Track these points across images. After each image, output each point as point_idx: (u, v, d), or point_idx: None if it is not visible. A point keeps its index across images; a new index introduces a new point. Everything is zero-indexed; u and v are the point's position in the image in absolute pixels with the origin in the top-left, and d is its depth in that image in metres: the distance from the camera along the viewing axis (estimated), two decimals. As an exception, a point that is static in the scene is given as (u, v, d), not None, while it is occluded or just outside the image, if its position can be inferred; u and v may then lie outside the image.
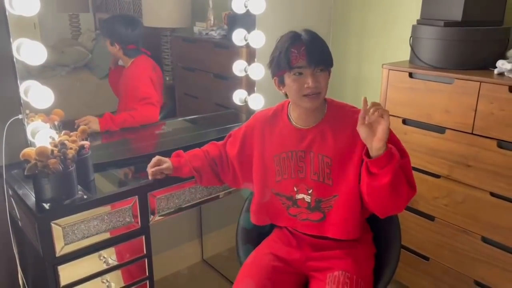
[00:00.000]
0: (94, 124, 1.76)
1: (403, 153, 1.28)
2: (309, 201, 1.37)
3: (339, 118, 1.35)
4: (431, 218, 1.90)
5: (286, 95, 1.38)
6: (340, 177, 1.33)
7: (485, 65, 1.75)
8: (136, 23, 1.90)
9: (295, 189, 1.38)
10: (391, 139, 1.24)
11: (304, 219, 1.40)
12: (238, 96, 2.04)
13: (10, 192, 1.47)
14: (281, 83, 1.34)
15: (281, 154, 1.38)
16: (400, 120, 1.91)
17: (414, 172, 1.87)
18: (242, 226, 1.59)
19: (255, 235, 1.56)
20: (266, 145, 1.42)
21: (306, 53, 1.26)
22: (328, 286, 1.29)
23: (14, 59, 1.35)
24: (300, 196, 1.38)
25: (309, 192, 1.36)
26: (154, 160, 1.50)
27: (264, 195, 1.44)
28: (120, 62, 1.91)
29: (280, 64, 1.29)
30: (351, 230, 1.36)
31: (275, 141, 1.41)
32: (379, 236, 1.49)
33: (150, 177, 1.48)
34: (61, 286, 1.36)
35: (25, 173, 1.31)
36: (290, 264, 1.40)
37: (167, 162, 1.49)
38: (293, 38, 1.28)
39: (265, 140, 1.43)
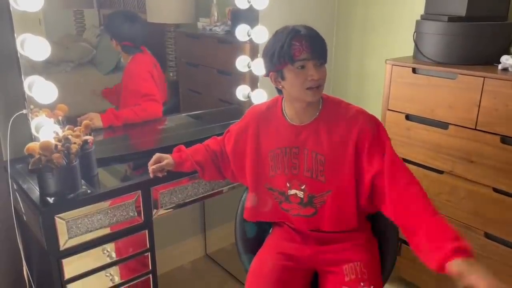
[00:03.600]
0: (97, 120, 1.76)
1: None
2: (302, 196, 1.37)
3: (333, 115, 1.34)
4: (434, 214, 1.90)
5: (279, 91, 1.37)
6: (334, 173, 1.33)
7: (489, 61, 1.74)
8: (135, 20, 1.90)
9: (288, 184, 1.38)
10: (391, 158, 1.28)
11: (295, 214, 1.40)
12: (241, 91, 2.05)
13: (15, 187, 1.48)
14: (279, 77, 1.31)
15: (275, 150, 1.38)
16: (403, 115, 1.91)
17: (417, 168, 1.90)
18: (241, 236, 1.57)
19: (257, 243, 1.54)
20: (261, 140, 1.42)
21: (309, 46, 1.25)
22: (347, 277, 1.31)
23: (18, 55, 1.36)
24: (292, 192, 1.38)
25: (302, 188, 1.36)
26: (154, 157, 1.49)
27: (257, 190, 1.44)
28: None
29: (282, 58, 1.26)
30: (344, 222, 1.37)
31: (270, 136, 1.40)
32: (375, 226, 1.49)
33: (151, 175, 1.48)
34: (65, 279, 1.37)
35: (30, 168, 1.32)
36: (300, 261, 1.40)
37: (167, 159, 1.49)
38: (293, 32, 1.26)
39: (260, 136, 1.42)
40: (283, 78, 1.30)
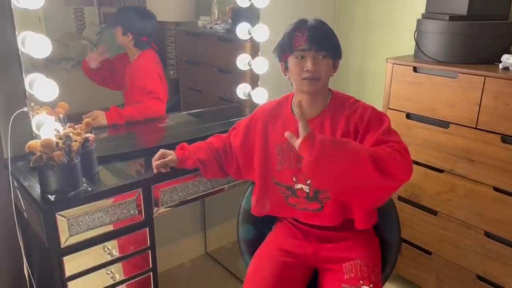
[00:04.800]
0: (102, 118, 1.77)
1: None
2: (308, 191, 1.38)
3: (338, 110, 1.36)
4: (434, 212, 1.90)
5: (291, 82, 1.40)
6: None
7: (490, 60, 1.74)
8: (152, 16, 1.90)
9: (294, 179, 1.39)
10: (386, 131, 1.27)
11: (303, 208, 1.41)
12: (242, 90, 2.04)
13: (16, 184, 1.48)
14: (286, 68, 1.36)
15: (282, 144, 1.40)
16: (404, 114, 1.91)
17: (418, 167, 1.89)
18: (243, 238, 1.57)
19: (258, 245, 1.53)
20: (269, 135, 1.44)
21: (308, 37, 1.28)
22: (347, 275, 1.31)
23: (20, 52, 1.36)
24: (299, 186, 1.39)
25: (308, 182, 1.37)
26: (158, 153, 1.52)
27: (264, 185, 1.45)
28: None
29: (284, 47, 1.33)
30: (349, 218, 1.38)
31: (277, 131, 1.42)
32: (377, 225, 1.49)
33: (154, 170, 1.49)
34: (66, 277, 1.37)
35: (31, 165, 1.32)
36: (301, 258, 1.41)
37: (171, 155, 1.51)
38: (299, 23, 1.31)
39: (268, 131, 1.44)
40: (287, 68, 1.35)
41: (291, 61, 1.32)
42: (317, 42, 1.28)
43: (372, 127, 1.29)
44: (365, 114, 1.32)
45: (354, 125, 1.32)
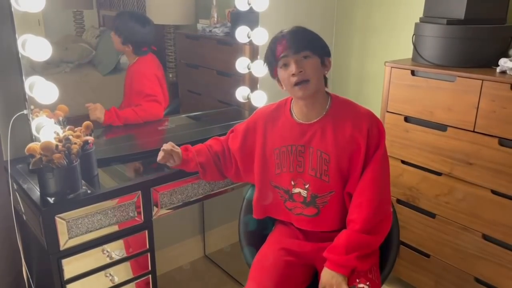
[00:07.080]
0: (100, 112, 1.78)
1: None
2: (305, 195, 1.38)
3: (341, 115, 1.35)
4: (432, 215, 1.90)
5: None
6: (338, 174, 1.34)
7: (487, 63, 1.75)
8: (151, 24, 1.91)
9: (292, 183, 1.39)
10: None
11: (299, 213, 1.42)
12: (241, 93, 2.05)
13: (15, 186, 1.48)
14: (279, 81, 1.37)
15: (281, 148, 1.40)
16: (402, 117, 1.92)
17: (416, 170, 1.90)
18: (244, 229, 1.59)
19: (258, 237, 1.56)
20: (267, 138, 1.44)
21: (287, 43, 1.29)
22: None
23: (20, 55, 1.36)
24: (296, 190, 1.39)
25: (306, 187, 1.38)
26: (168, 143, 1.49)
27: (263, 188, 1.46)
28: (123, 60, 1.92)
29: (269, 61, 1.34)
30: (345, 223, 1.38)
31: (276, 134, 1.42)
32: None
33: (159, 157, 1.45)
34: (65, 279, 1.37)
35: (30, 168, 1.33)
36: (301, 256, 1.42)
37: (179, 150, 1.48)
38: (278, 35, 1.33)
39: (267, 134, 1.44)
40: (279, 81, 1.36)
41: (280, 72, 1.32)
42: (295, 43, 1.28)
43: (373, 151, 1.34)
44: (374, 135, 1.33)
45: (365, 142, 1.31)
